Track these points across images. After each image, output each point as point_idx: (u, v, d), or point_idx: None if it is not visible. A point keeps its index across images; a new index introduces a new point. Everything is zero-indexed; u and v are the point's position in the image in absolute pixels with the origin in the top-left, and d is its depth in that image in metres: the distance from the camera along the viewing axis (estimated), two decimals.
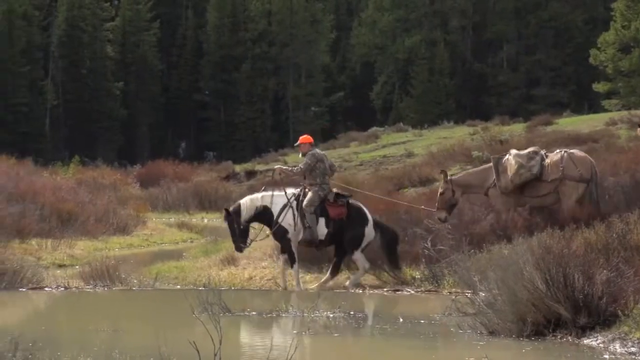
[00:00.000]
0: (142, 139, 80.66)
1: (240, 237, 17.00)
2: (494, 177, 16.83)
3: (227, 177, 51.73)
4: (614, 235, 11.84)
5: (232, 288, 16.76)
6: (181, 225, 32.72)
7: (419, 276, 16.38)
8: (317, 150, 17.38)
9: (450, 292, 14.72)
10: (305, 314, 12.83)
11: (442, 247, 16.35)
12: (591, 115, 52.87)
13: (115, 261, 17.93)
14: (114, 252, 23.74)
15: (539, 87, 79.25)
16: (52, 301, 15.85)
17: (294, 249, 16.69)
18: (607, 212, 15.26)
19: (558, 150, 17.37)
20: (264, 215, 16.90)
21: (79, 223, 26.37)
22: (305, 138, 17.51)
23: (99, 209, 29.35)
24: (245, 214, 16.94)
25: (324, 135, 75.19)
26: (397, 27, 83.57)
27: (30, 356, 8.59)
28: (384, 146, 52.46)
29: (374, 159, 47.96)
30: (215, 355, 8.12)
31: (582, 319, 10.58)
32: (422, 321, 12.61)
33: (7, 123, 72.76)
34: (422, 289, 15.77)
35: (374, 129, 62.75)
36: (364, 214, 16.68)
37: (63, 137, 76.88)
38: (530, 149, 17.23)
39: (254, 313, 13.26)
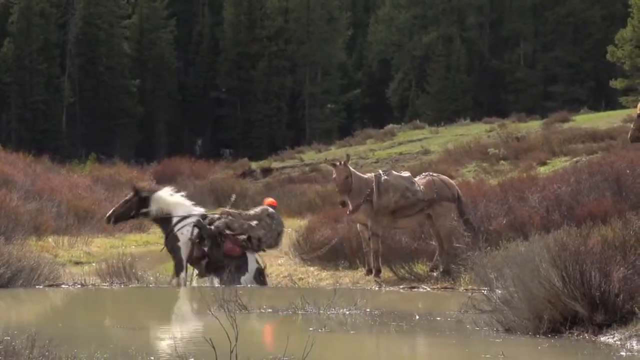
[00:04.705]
0: (158, 136, 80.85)
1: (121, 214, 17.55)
2: (366, 194, 16.73)
3: (244, 175, 51.81)
4: (631, 232, 11.78)
5: (248, 285, 16.76)
6: None
7: (435, 273, 16.39)
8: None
9: (466, 289, 14.71)
10: (321, 311, 12.82)
11: (458, 245, 16.40)
12: (608, 112, 52.67)
13: (132, 258, 17.96)
14: (130, 250, 23.77)
15: (557, 84, 79.02)
16: (69, 298, 15.88)
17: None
18: (624, 209, 15.23)
19: (424, 174, 17.76)
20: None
21: (96, 220, 26.46)
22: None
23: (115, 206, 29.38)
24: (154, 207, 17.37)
25: (341, 133, 75.31)
26: (414, 24, 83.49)
27: (47, 353, 8.60)
28: (400, 143, 52.42)
29: (390, 156, 47.93)
30: (231, 352, 8.12)
31: (598, 316, 10.53)
32: (438, 318, 12.59)
33: (24, 120, 73.11)
34: (438, 286, 15.77)
35: (390, 126, 62.70)
36: (246, 264, 16.87)
37: (80, 134, 77.10)
38: (405, 173, 17.55)
39: (269, 310, 13.26)
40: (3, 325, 11.94)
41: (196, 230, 16.93)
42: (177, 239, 16.98)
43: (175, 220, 17.09)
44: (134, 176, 46.10)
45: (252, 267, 16.82)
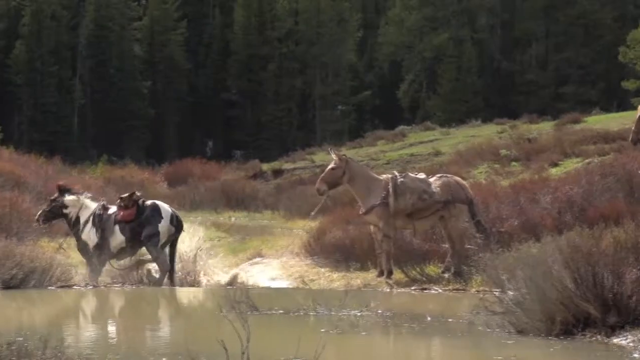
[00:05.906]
0: (169, 137, 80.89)
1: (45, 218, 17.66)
2: (382, 196, 16.65)
3: (254, 176, 51.82)
4: None
5: (260, 286, 16.77)
6: (209, 224, 32.74)
7: (446, 275, 16.36)
8: None
9: (478, 291, 14.66)
10: (332, 313, 12.81)
11: (469, 246, 16.36)
12: (620, 113, 52.46)
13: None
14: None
15: (568, 85, 78.79)
16: (81, 299, 15.91)
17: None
18: (637, 210, 15.19)
19: (438, 175, 17.70)
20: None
21: None
22: None
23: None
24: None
25: (351, 134, 75.28)
26: (424, 26, 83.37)
27: (59, 354, 8.61)
28: (411, 145, 52.39)
29: (401, 157, 47.86)
30: (242, 353, 8.12)
31: (611, 318, 10.50)
32: (450, 320, 12.56)
33: (36, 122, 73.31)
34: (450, 287, 15.73)
35: (401, 127, 62.65)
36: (159, 211, 17.11)
37: (91, 136, 77.24)
38: (421, 175, 17.43)
39: (281, 311, 13.25)
40: (15, 326, 11.96)
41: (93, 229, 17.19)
42: (86, 244, 17.24)
43: (82, 223, 17.35)
44: (146, 177, 46.21)
45: (165, 213, 17.17)
